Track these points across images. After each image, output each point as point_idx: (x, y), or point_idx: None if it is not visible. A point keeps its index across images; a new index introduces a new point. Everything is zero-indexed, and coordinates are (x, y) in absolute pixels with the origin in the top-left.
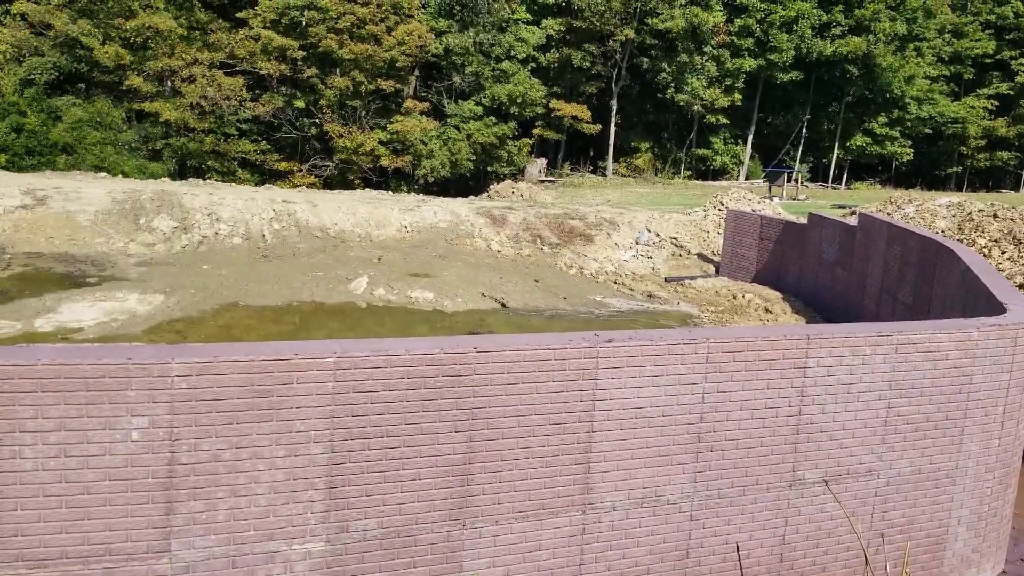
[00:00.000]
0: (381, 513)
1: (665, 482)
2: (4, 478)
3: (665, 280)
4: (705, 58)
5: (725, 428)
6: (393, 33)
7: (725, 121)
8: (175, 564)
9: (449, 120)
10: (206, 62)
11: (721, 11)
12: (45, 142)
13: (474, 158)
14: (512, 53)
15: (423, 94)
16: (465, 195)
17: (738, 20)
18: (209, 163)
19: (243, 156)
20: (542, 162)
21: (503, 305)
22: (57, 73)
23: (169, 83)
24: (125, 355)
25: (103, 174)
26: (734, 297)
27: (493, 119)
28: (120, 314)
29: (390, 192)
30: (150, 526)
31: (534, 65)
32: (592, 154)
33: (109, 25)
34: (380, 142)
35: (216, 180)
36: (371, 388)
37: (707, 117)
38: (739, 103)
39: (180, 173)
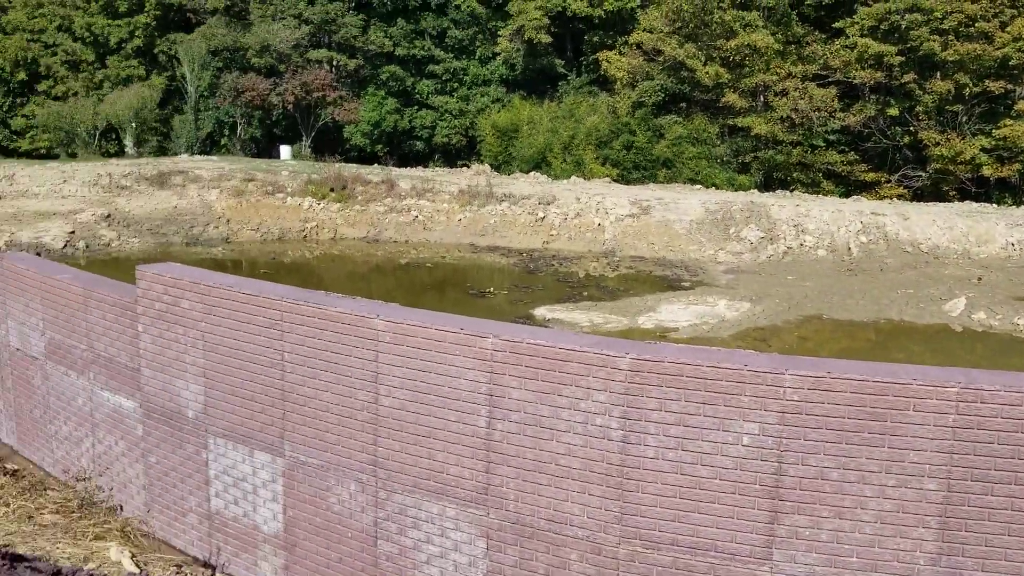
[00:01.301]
0: (1000, 568)
1: None
2: (630, 461)
3: None
4: None
5: None
6: (1008, 28)
7: None
8: (775, 574)
9: None
10: (799, 75)
11: None
12: (649, 157)
13: None
14: None
15: None
16: None
17: None
18: (794, 175)
19: (828, 167)
20: None
21: None
22: (663, 94)
23: (762, 98)
24: (742, 361)
25: (697, 186)
26: None
27: None
28: (710, 318)
29: (993, 205)
30: (754, 531)
31: None
32: None
33: (711, 47)
34: (983, 149)
35: (800, 192)
36: (1000, 427)
37: None
38: None
39: (765, 185)
